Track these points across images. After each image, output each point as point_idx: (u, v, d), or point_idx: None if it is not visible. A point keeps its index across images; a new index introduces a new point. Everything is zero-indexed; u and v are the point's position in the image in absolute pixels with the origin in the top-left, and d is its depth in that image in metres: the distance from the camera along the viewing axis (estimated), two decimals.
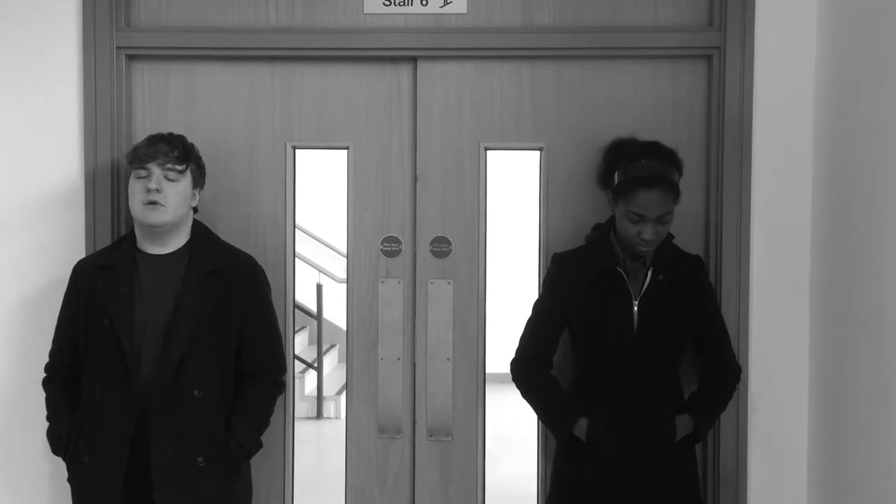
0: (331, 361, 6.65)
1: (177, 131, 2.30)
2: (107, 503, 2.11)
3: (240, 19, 2.50)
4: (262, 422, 2.25)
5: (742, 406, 2.41)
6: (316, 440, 5.18)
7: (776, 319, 2.42)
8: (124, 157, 2.28)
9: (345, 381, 2.66)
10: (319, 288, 6.20)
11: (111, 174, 2.45)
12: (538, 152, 2.53)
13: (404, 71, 2.51)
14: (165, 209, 2.15)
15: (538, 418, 2.38)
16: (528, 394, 2.29)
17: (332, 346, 6.71)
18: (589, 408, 2.20)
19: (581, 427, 2.18)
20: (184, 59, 2.51)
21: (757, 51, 2.39)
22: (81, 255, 2.39)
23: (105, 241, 2.41)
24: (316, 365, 6.00)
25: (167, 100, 2.52)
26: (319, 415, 5.92)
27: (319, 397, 5.96)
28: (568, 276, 2.25)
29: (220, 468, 2.16)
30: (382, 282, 2.52)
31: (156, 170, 2.15)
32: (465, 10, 2.48)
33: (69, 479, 2.20)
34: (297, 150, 2.56)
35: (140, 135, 2.41)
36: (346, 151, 2.54)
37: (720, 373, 2.30)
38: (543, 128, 2.51)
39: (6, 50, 2.43)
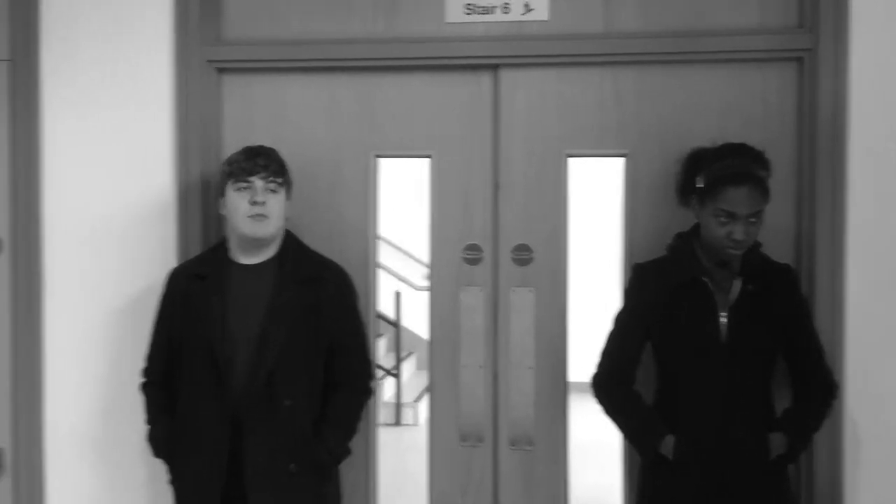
0: (409, 369, 6.69)
1: (263, 142, 2.35)
2: None
3: (323, 31, 2.54)
4: (351, 429, 2.28)
5: (838, 424, 2.32)
6: (395, 446, 5.22)
7: (874, 333, 2.32)
8: (220, 169, 2.33)
9: (423, 388, 2.67)
10: (398, 296, 6.25)
11: (201, 186, 2.51)
12: (621, 159, 2.49)
13: (486, 79, 2.51)
14: (270, 221, 2.19)
15: (623, 435, 2.32)
16: (610, 410, 2.23)
17: (409, 354, 6.75)
18: (674, 424, 2.13)
19: (667, 445, 2.11)
20: (270, 72, 2.56)
21: (852, 52, 2.31)
22: (173, 265, 2.46)
23: (195, 251, 2.47)
24: (395, 372, 6.05)
25: (254, 112, 2.58)
26: (398, 421, 5.96)
27: (398, 404, 6.00)
28: (650, 286, 2.20)
29: (311, 474, 2.19)
30: (464, 289, 2.53)
31: (259, 182, 2.18)
32: (546, 17, 2.47)
33: (171, 482, 2.26)
34: (380, 159, 2.58)
35: (228, 147, 2.48)
36: (428, 160, 2.56)
37: (815, 389, 2.19)
38: (627, 134, 2.48)
39: (101, 66, 2.52)
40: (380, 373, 5.75)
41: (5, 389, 2.52)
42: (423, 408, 6.24)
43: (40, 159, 2.51)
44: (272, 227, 2.20)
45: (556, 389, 2.50)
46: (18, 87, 2.50)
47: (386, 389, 5.97)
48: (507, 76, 2.49)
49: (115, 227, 2.53)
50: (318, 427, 2.22)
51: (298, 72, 2.56)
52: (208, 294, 2.21)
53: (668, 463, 2.12)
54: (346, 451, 2.27)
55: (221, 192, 2.26)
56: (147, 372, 2.33)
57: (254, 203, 2.17)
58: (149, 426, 2.30)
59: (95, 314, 2.54)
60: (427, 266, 2.62)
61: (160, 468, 2.34)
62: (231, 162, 2.24)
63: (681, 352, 2.14)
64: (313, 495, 2.21)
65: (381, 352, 6.44)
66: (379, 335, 6.48)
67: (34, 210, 2.51)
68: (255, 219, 2.18)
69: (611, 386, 2.23)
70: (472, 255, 2.53)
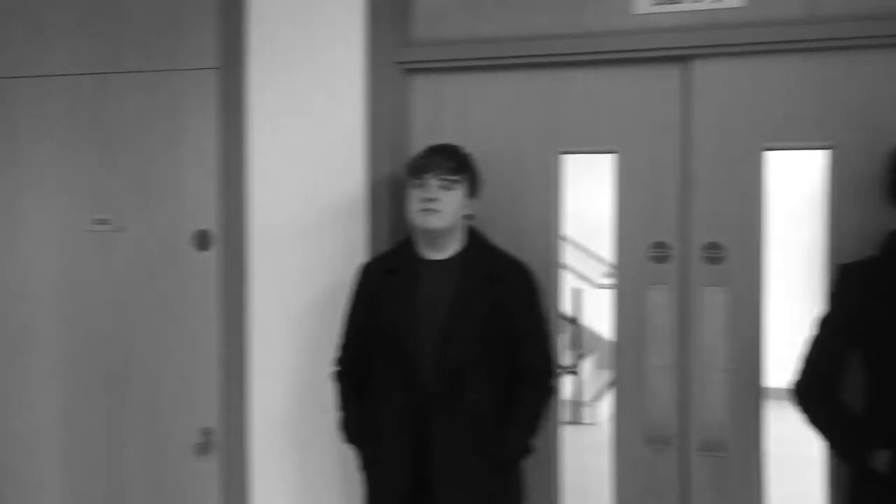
0: (588, 367, 6.62)
1: (450, 140, 2.40)
2: (393, 495, 2.23)
3: (509, 28, 2.55)
4: (533, 427, 2.28)
5: None
6: (575, 445, 5.18)
7: None
8: (403, 168, 2.40)
9: (602, 386, 2.62)
10: (578, 293, 6.18)
11: (391, 185, 2.59)
12: (825, 152, 2.34)
13: (675, 71, 2.43)
14: (441, 215, 2.23)
15: (829, 447, 2.18)
16: (813, 420, 2.09)
17: (589, 352, 6.68)
18: (889, 437, 1.98)
19: (881, 459, 1.96)
20: (457, 71, 2.61)
21: None
22: (363, 260, 2.55)
23: (384, 248, 2.54)
24: (575, 370, 5.99)
25: (441, 111, 2.63)
26: (578, 420, 5.90)
27: (578, 402, 5.95)
28: (858, 289, 2.04)
29: (493, 469, 2.22)
30: (651, 288, 2.46)
31: (431, 180, 2.24)
32: (741, 4, 2.36)
33: (361, 468, 2.35)
34: (564, 156, 2.56)
35: (417, 146, 2.54)
36: (614, 156, 2.51)
37: None
38: (831, 126, 2.32)
39: (299, 70, 2.65)
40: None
41: (215, 375, 2.72)
42: (603, 407, 6.15)
43: (246, 160, 2.69)
44: (443, 220, 2.24)
45: (750, 394, 2.39)
46: (227, 94, 2.68)
47: (565, 387, 5.95)
48: (699, 67, 2.40)
49: (311, 223, 2.66)
50: (500, 423, 2.24)
51: (485, 70, 2.58)
52: (398, 288, 2.28)
53: (884, 478, 1.97)
54: (528, 449, 2.27)
55: (406, 187, 2.33)
56: (339, 361, 2.43)
57: (425, 199, 2.23)
58: (340, 413, 2.40)
59: (294, 306, 2.68)
60: (608, 263, 2.58)
61: (352, 453, 2.44)
62: (413, 160, 2.31)
63: (894, 359, 1.98)
64: (496, 490, 2.23)
65: (561, 350, 6.40)
66: (559, 333, 6.46)
67: (240, 207, 2.69)
68: (426, 212, 2.23)
69: (813, 395, 2.09)
70: (660, 252, 2.46)
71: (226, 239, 2.70)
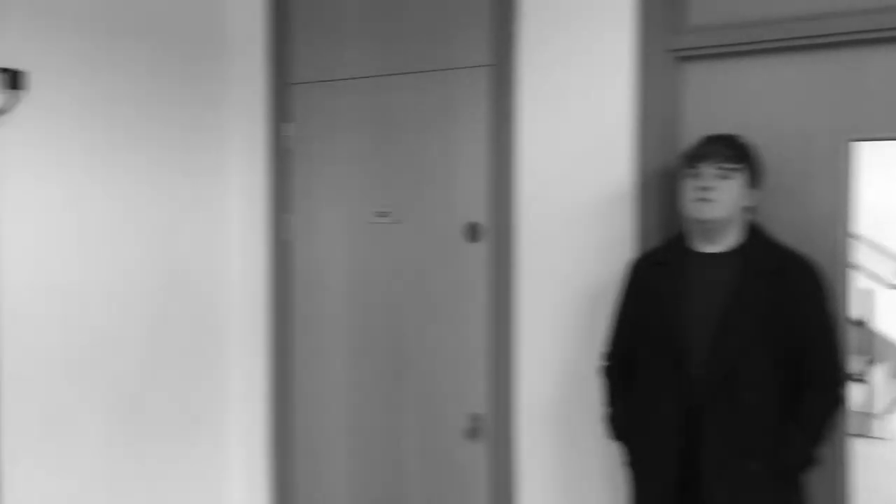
0: (879, 375, 6.01)
1: (724, 130, 2.28)
2: (659, 495, 2.18)
3: (791, 7, 2.37)
4: (817, 435, 2.11)
5: None
6: (864, 460, 4.73)
7: None
8: (677, 159, 2.32)
9: (895, 398, 2.35)
10: (868, 294, 5.64)
11: (661, 178, 2.51)
12: None
13: None
14: (715, 205, 2.14)
15: None
16: None
17: (880, 359, 6.06)
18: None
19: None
20: (733, 56, 2.47)
21: None
22: (630, 254, 2.51)
23: (652, 241, 2.48)
24: (864, 378, 5.48)
25: (714, 100, 2.51)
26: (866, 433, 5.39)
27: (866, 414, 5.43)
28: None
29: (772, 477, 2.09)
30: None
31: (706, 169, 2.16)
32: None
33: (626, 464, 2.32)
34: (856, 144, 2.33)
35: (688, 138, 2.44)
36: None
37: None
38: None
39: (568, 62, 2.64)
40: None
41: (483, 362, 2.81)
42: None
43: (514, 153, 2.74)
44: (718, 211, 2.14)
45: None
46: (498, 89, 2.75)
47: (853, 397, 5.44)
48: None
49: (579, 215, 2.65)
50: (782, 429, 2.10)
51: (765, 54, 2.42)
52: (668, 281, 2.21)
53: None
54: (812, 460, 2.11)
55: (679, 177, 2.26)
56: (607, 356, 2.41)
57: (699, 188, 2.14)
58: (606, 408, 2.38)
59: (561, 298, 2.69)
60: None
61: (616, 448, 2.41)
62: (688, 150, 2.23)
63: None
64: (774, 500, 2.10)
65: (848, 355, 5.88)
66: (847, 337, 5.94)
67: (508, 200, 2.74)
68: (700, 202, 2.14)
69: None
70: None
71: (495, 231, 2.77)
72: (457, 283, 2.86)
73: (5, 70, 2.45)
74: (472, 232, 2.82)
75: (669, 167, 2.48)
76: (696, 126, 2.50)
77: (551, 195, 2.69)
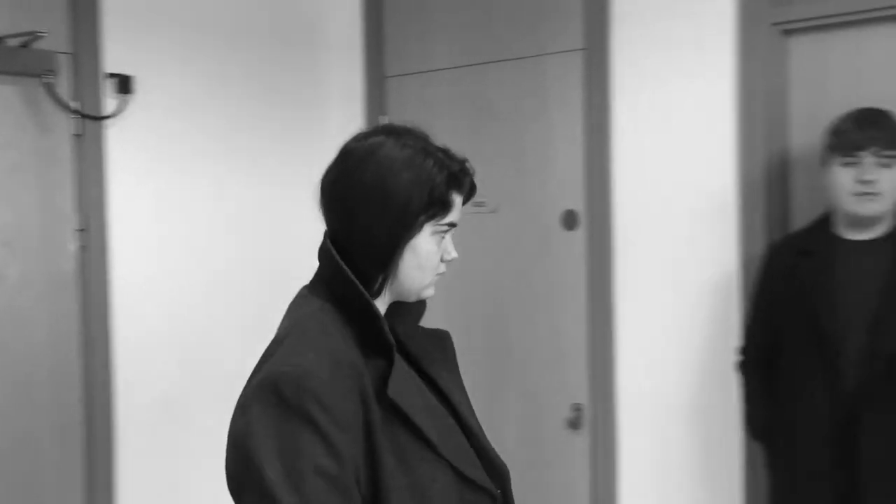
0: None
1: (835, 109, 2.13)
2: (810, 499, 2.03)
3: None
4: None
5: None
6: None
7: None
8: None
9: None
10: None
11: (766, 165, 2.39)
12: None
13: None
14: (881, 198, 1.97)
15: None
16: None
17: None
18: None
19: None
20: (845, 27, 2.33)
21: None
22: (733, 248, 2.42)
23: (758, 234, 2.39)
24: None
25: (825, 75, 2.37)
26: None
27: None
28: None
29: None
30: None
31: (868, 158, 1.97)
32: None
33: (767, 466, 2.20)
34: None
35: (796, 117, 2.32)
36: None
37: None
38: None
39: (666, 43, 2.56)
40: None
41: (584, 353, 2.76)
42: None
43: (610, 140, 2.67)
44: (883, 204, 1.97)
45: None
46: (592, 73, 2.69)
47: None
48: None
49: (677, 204, 2.56)
50: None
51: (880, 22, 2.28)
52: (816, 273, 2.05)
53: None
54: None
55: (825, 162, 2.07)
56: (745, 350, 2.26)
57: (861, 182, 1.96)
58: (746, 406, 2.24)
59: (659, 288, 2.61)
60: None
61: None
62: (838, 132, 2.02)
63: None
64: None
65: None
66: None
67: (606, 188, 2.68)
68: (862, 197, 1.97)
69: None
70: None
71: (593, 219, 2.71)
72: (555, 271, 2.82)
73: (115, 75, 2.57)
74: (570, 220, 2.78)
75: (776, 156, 2.35)
76: (805, 105, 2.38)
77: (649, 182, 2.61)
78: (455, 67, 3.02)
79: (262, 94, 3.03)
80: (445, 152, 1.32)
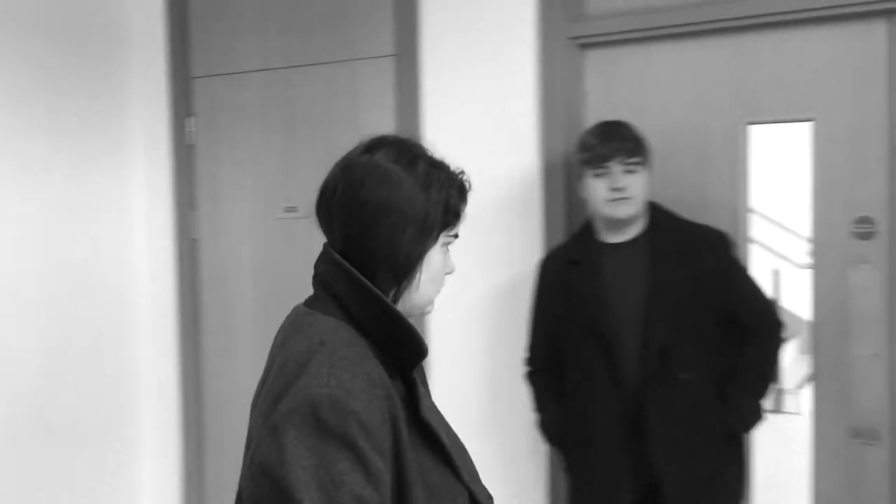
0: (789, 353, 6.21)
1: (625, 115, 2.28)
2: (612, 491, 2.13)
3: None
4: (764, 386, 2.11)
5: None
6: (775, 436, 4.88)
7: None
8: (576, 151, 2.25)
9: (805, 374, 2.42)
10: (776, 274, 5.81)
11: (565, 165, 2.51)
12: None
13: (880, 27, 2.20)
14: (632, 201, 2.12)
15: None
16: None
17: (790, 337, 6.27)
18: None
19: None
20: (634, 43, 2.49)
21: None
22: (538, 246, 2.50)
23: (559, 232, 2.49)
24: None
25: (615, 86, 2.53)
26: (779, 409, 5.56)
27: (780, 390, 5.60)
28: None
29: (715, 445, 2.10)
30: (854, 268, 2.24)
31: (616, 167, 2.11)
32: None
33: (565, 469, 2.28)
34: (752, 127, 2.39)
35: (590, 121, 2.45)
36: (809, 124, 2.30)
37: None
38: None
39: (470, 53, 2.62)
40: None
41: None
42: (807, 395, 5.75)
43: (422, 141, 2.70)
44: (634, 206, 2.12)
45: None
46: (402, 79, 2.72)
47: None
48: None
49: (486, 204, 2.62)
50: (724, 392, 2.10)
51: (665, 39, 2.45)
52: (585, 278, 2.17)
53: None
54: (758, 415, 2.12)
55: (580, 175, 2.21)
56: (530, 361, 2.35)
57: (613, 189, 2.11)
58: (538, 414, 2.32)
59: (470, 294, 2.66)
60: (809, 241, 2.38)
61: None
62: (586, 147, 2.17)
63: None
64: (719, 464, 2.11)
65: None
66: None
67: None
68: (615, 202, 2.11)
69: None
70: (864, 228, 2.24)
71: None
72: None
73: None
74: None
75: (572, 155, 2.49)
76: (599, 112, 2.51)
77: None
78: (265, 70, 2.96)
79: (63, 92, 2.84)
80: (447, 164, 1.32)
